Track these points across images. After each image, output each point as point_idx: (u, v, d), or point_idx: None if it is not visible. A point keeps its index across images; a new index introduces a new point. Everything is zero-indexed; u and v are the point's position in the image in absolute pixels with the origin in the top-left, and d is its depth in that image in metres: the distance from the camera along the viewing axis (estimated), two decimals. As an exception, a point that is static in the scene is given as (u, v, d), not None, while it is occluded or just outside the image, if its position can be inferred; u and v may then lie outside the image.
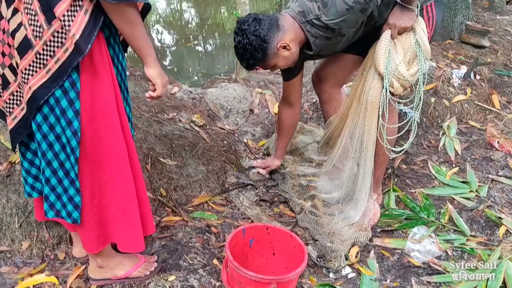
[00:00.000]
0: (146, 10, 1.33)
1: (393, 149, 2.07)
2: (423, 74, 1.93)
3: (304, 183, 2.40)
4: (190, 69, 5.48)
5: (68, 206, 1.40)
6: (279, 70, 2.13)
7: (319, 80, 2.33)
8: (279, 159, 2.50)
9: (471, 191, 2.36)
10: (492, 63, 3.42)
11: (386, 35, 1.84)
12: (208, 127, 2.81)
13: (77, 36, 1.15)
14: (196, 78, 5.00)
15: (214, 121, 3.16)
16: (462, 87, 3.18)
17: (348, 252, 2.03)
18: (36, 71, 1.22)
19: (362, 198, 2.17)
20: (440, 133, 2.89)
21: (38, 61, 1.21)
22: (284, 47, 1.83)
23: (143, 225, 1.53)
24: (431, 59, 3.42)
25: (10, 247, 1.80)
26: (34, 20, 1.17)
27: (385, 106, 1.95)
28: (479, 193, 2.33)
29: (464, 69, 3.27)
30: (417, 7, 1.79)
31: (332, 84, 2.32)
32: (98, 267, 1.69)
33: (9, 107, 1.33)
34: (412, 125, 2.05)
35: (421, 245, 2.07)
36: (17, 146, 1.42)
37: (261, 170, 2.55)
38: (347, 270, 1.96)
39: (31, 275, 1.73)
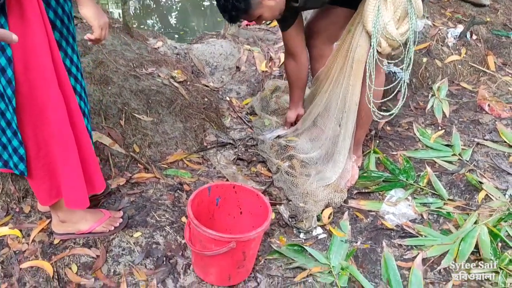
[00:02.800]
0: None
1: (381, 113, 1.98)
2: (413, 33, 1.82)
3: (284, 142, 2.34)
4: (177, 23, 5.32)
5: (13, 157, 1.35)
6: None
7: (310, 35, 2.23)
8: (292, 110, 2.41)
9: (453, 154, 2.30)
10: (491, 23, 3.26)
11: None
12: (189, 83, 2.73)
13: None
14: (183, 33, 4.85)
15: (198, 77, 3.07)
16: (457, 47, 3.05)
17: (321, 213, 1.99)
18: None
19: (340, 160, 2.12)
20: (430, 95, 2.79)
21: None
22: None
23: (90, 183, 1.49)
24: (426, 17, 3.27)
25: (-27, 200, 1.78)
26: None
27: (372, 66, 1.86)
28: (462, 157, 2.27)
29: (460, 28, 3.13)
30: None
31: (323, 39, 2.22)
32: (61, 222, 1.66)
33: None
34: (402, 87, 1.96)
35: (397, 208, 2.03)
36: None
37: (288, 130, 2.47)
38: (318, 230, 1.93)
39: (-7, 227, 1.71)
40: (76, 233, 1.70)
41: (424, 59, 2.93)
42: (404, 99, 1.93)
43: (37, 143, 1.35)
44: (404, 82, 1.93)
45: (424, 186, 2.12)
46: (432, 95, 2.77)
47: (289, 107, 2.43)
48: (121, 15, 2.87)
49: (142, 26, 4.66)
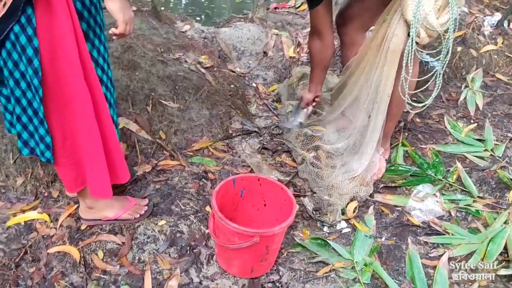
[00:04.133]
0: None
1: (414, 104, 1.93)
2: (453, 23, 1.74)
3: (310, 132, 2.30)
4: (207, 4, 5.26)
5: (40, 145, 1.38)
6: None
7: (343, 22, 2.16)
8: (311, 92, 2.32)
9: (485, 149, 2.23)
10: (531, 11, 3.11)
11: None
12: (216, 69, 2.71)
13: None
14: (210, 13, 4.79)
15: (225, 62, 3.05)
16: (493, 36, 2.93)
17: (346, 206, 1.96)
18: None
19: (368, 152, 2.08)
20: (463, 86, 2.70)
21: None
22: None
23: (114, 173, 1.50)
24: (463, 4, 3.14)
25: (4, 183, 1.82)
26: None
27: (409, 57, 1.79)
28: (494, 153, 2.20)
29: (498, 16, 3.00)
30: None
31: (356, 27, 2.15)
32: (88, 208, 1.69)
33: None
34: (437, 79, 1.89)
35: (424, 204, 1.99)
36: None
37: (302, 116, 2.42)
38: (343, 224, 1.91)
39: (23, 211, 1.75)
40: (102, 219, 1.73)
41: (459, 48, 2.82)
42: (438, 90, 1.87)
43: (63, 132, 1.37)
44: (440, 74, 1.86)
45: (453, 182, 2.07)
46: (466, 86, 2.68)
47: (308, 88, 2.34)
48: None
49: (171, 8, 4.64)
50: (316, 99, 2.36)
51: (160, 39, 2.65)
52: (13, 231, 1.68)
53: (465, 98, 2.60)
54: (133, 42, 2.46)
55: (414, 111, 2.11)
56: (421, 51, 1.88)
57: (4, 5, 1.13)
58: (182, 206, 1.86)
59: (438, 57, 1.84)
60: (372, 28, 2.07)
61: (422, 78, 1.96)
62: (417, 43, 1.77)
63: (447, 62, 1.78)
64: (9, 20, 1.15)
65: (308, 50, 2.32)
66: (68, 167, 1.46)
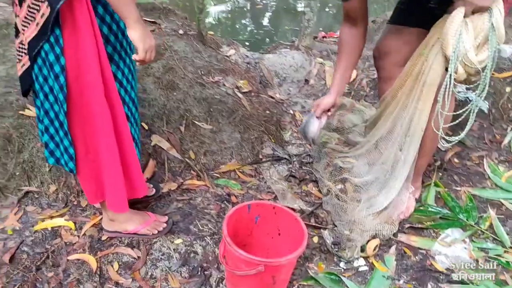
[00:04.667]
0: None
1: (447, 138, 1.86)
2: (492, 60, 1.69)
3: (340, 164, 2.27)
4: (254, 31, 5.38)
5: (64, 155, 1.47)
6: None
7: (380, 56, 2.14)
8: (331, 96, 2.00)
9: (525, 198, 2.10)
10: None
11: (459, 13, 1.58)
12: (253, 94, 2.76)
13: None
14: (259, 41, 4.89)
15: (265, 88, 3.09)
16: (548, 78, 2.77)
17: (367, 243, 1.91)
18: (29, 23, 1.27)
19: (395, 187, 2.02)
20: (509, 128, 2.56)
21: (29, 14, 1.26)
22: None
23: (131, 188, 1.56)
24: (517, 43, 3.01)
25: (38, 189, 1.94)
26: None
27: (447, 92, 1.75)
28: (533, 202, 2.06)
29: (555, 57, 2.84)
30: None
31: (393, 61, 2.12)
32: (110, 220, 1.77)
33: (19, 55, 1.41)
34: (471, 115, 1.82)
35: (451, 249, 1.89)
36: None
37: (315, 123, 2.10)
38: (360, 262, 1.85)
39: (51, 217, 1.85)
40: (122, 232, 1.79)
41: (508, 89, 2.70)
42: (471, 124, 1.79)
43: (85, 146, 1.45)
44: (474, 109, 1.78)
45: (485, 229, 1.96)
46: (512, 129, 2.55)
47: (329, 91, 2.07)
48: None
49: (223, 32, 4.79)
50: (332, 108, 2.08)
51: (202, 62, 2.75)
52: (39, 235, 1.78)
53: (510, 141, 2.47)
54: (175, 64, 2.56)
55: (446, 146, 2.02)
56: (461, 86, 1.82)
57: (37, 25, 1.24)
58: (200, 227, 1.89)
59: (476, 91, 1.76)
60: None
61: (459, 112, 1.89)
62: (454, 79, 1.72)
63: (483, 97, 1.71)
64: (40, 39, 1.26)
65: (338, 42, 2.06)
66: (89, 179, 1.54)
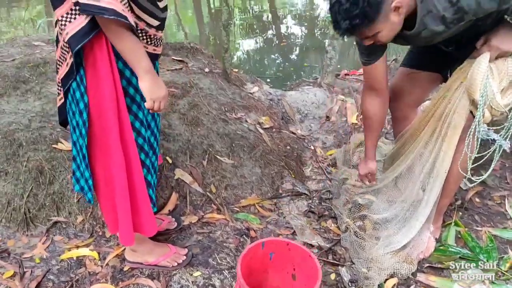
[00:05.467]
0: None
1: (472, 178, 1.87)
2: None
3: (359, 201, 2.30)
4: (279, 68, 5.52)
5: (85, 186, 1.57)
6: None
7: (394, 97, 2.17)
8: (372, 160, 2.17)
9: (548, 240, 2.05)
10: None
11: (485, 58, 1.62)
12: (274, 130, 2.83)
13: (69, 35, 1.28)
14: (282, 78, 5.02)
15: (287, 124, 3.16)
16: None
17: (385, 282, 1.90)
18: (62, 63, 1.40)
19: (416, 226, 2.02)
20: (532, 168, 2.54)
21: (62, 54, 1.39)
22: (397, 9, 1.51)
23: (139, 225, 1.63)
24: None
25: (66, 219, 2.03)
26: (61, 18, 1.31)
27: (474, 136, 1.78)
28: (557, 244, 2.02)
29: None
30: None
31: (407, 102, 2.17)
32: (132, 251, 1.83)
33: (58, 89, 1.53)
34: (496, 155, 1.84)
35: (470, 291, 1.87)
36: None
37: (367, 183, 2.28)
38: (378, 301, 1.85)
39: (77, 247, 1.93)
40: (144, 263, 1.85)
41: (531, 128, 2.68)
42: (495, 164, 1.80)
43: (105, 178, 1.54)
44: (499, 150, 1.80)
45: (506, 271, 1.92)
46: (535, 169, 2.52)
47: (365, 158, 2.21)
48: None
49: (247, 70, 4.95)
50: (370, 176, 2.22)
51: (226, 99, 2.85)
52: (65, 264, 1.86)
53: (533, 181, 2.44)
54: (200, 101, 2.67)
55: (469, 187, 2.02)
56: (486, 127, 1.84)
57: (67, 65, 1.37)
58: (219, 260, 1.93)
59: (501, 134, 1.79)
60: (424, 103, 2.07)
61: (485, 153, 1.90)
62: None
63: (508, 137, 1.73)
64: (69, 77, 1.39)
65: (361, 110, 2.15)
66: (109, 209, 1.62)
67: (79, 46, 1.28)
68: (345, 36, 1.60)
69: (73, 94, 1.42)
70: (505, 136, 1.77)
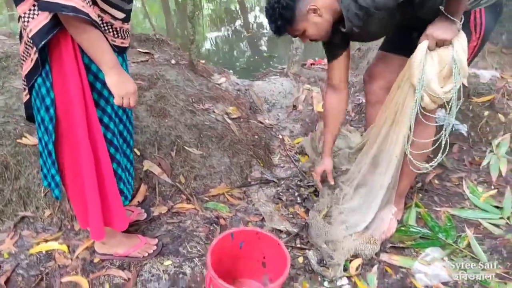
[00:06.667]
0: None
1: (420, 164, 1.97)
2: (457, 92, 1.80)
3: (326, 190, 2.36)
4: (245, 59, 5.54)
5: (52, 182, 1.57)
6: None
7: (369, 80, 2.25)
8: (327, 157, 2.28)
9: (501, 217, 2.18)
10: None
11: (423, 46, 1.71)
12: (242, 120, 2.87)
13: (32, 32, 1.27)
14: (249, 68, 5.04)
15: (255, 114, 3.20)
16: (525, 103, 2.89)
17: (350, 263, 1.99)
18: (26, 59, 1.39)
19: (372, 208, 2.11)
20: (488, 151, 2.67)
21: (26, 50, 1.38)
22: (314, 11, 1.73)
23: (110, 219, 1.64)
24: (495, 68, 3.15)
25: (34, 214, 2.01)
26: (24, 15, 1.30)
27: (412, 119, 1.86)
28: (510, 221, 2.14)
29: (532, 82, 2.97)
30: (461, 20, 1.66)
31: (381, 86, 2.23)
32: (102, 243, 1.84)
33: (24, 85, 1.51)
34: (444, 132, 1.93)
35: (430, 268, 1.96)
36: None
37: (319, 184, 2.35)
38: (344, 281, 1.92)
39: (46, 241, 1.93)
40: (114, 254, 1.86)
41: (486, 113, 2.81)
42: (446, 150, 1.89)
43: (74, 174, 1.54)
44: (446, 128, 1.89)
45: (464, 248, 2.03)
46: (490, 151, 2.65)
47: (322, 155, 2.32)
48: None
49: (216, 62, 4.95)
50: (324, 173, 2.31)
51: (193, 90, 2.86)
52: (34, 258, 1.85)
53: (488, 163, 2.57)
54: (167, 92, 2.68)
55: (425, 171, 2.11)
56: (442, 113, 1.92)
57: (31, 60, 1.36)
58: (189, 249, 1.97)
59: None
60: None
61: (431, 139, 1.99)
62: (424, 108, 1.83)
63: (448, 130, 1.82)
64: (34, 72, 1.38)
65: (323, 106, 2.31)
66: (79, 204, 1.62)
67: (43, 42, 1.28)
68: (279, 35, 1.84)
69: (38, 90, 1.41)
70: (450, 113, 1.86)
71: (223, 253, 1.72)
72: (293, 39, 3.63)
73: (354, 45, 4.20)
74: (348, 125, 3.02)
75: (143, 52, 3.09)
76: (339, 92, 2.14)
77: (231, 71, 3.71)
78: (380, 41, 2.19)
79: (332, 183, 2.29)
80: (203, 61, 3.55)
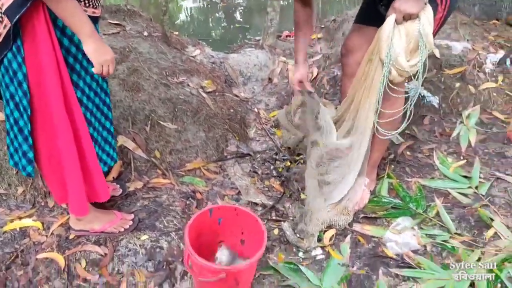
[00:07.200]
0: None
1: (385, 132, 2.01)
2: (423, 66, 1.83)
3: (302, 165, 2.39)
4: (221, 30, 5.45)
5: (22, 160, 1.54)
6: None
7: (346, 53, 2.24)
8: (301, 64, 2.22)
9: (470, 187, 2.25)
10: (536, 50, 3.13)
11: (390, 20, 1.73)
12: (217, 93, 2.85)
13: (5, 6, 1.25)
14: (224, 40, 4.96)
15: (230, 87, 3.18)
16: (494, 74, 2.96)
17: (324, 234, 2.04)
18: None
19: (349, 181, 2.15)
20: (458, 122, 2.73)
21: None
22: None
23: (93, 192, 1.64)
24: (467, 40, 3.19)
25: (6, 191, 1.99)
26: None
27: (380, 92, 1.89)
28: (477, 191, 2.22)
29: (501, 54, 3.03)
30: None
31: (357, 59, 2.23)
32: (77, 219, 1.83)
33: None
34: (410, 101, 1.96)
35: (401, 237, 2.03)
36: None
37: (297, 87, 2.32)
38: (318, 251, 1.98)
39: (20, 218, 1.91)
40: (90, 230, 1.86)
41: (457, 84, 2.87)
42: (409, 119, 1.93)
43: (49, 150, 1.52)
44: (412, 98, 1.93)
45: (433, 217, 2.11)
46: (461, 122, 2.72)
47: (296, 64, 2.27)
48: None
49: (192, 34, 4.86)
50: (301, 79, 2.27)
51: (167, 63, 2.82)
52: (8, 236, 1.83)
53: (459, 134, 2.64)
54: (140, 66, 2.63)
55: (398, 142, 2.16)
56: (412, 84, 1.95)
57: (1, 35, 1.31)
58: (165, 223, 1.98)
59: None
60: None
61: (400, 110, 2.02)
62: (391, 81, 1.86)
63: (414, 101, 1.86)
64: (3, 48, 1.33)
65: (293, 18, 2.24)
66: (55, 181, 1.60)
67: (18, 16, 1.24)
68: None
69: (8, 65, 1.37)
70: (411, 100, 1.91)
71: (203, 227, 1.73)
72: (268, 9, 3.59)
73: (329, 16, 4.18)
74: (323, 98, 3.03)
75: (114, 23, 3.00)
76: (305, 8, 2.10)
77: (204, 43, 3.65)
78: (355, 13, 2.19)
79: (311, 90, 2.27)
80: (177, 33, 3.48)
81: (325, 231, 2.05)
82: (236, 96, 3.07)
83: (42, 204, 2.01)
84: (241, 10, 6.35)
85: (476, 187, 2.25)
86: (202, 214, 1.72)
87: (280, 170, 2.47)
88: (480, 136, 2.64)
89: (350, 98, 2.15)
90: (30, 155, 1.51)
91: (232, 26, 5.63)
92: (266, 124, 2.90)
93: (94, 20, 1.49)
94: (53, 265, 1.74)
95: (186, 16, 6.19)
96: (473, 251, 1.92)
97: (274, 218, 2.14)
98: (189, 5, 6.45)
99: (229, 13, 6.16)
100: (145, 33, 2.98)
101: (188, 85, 2.74)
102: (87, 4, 1.42)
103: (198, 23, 5.79)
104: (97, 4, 1.47)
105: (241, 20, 5.92)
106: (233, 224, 1.81)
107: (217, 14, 6.19)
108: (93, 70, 1.42)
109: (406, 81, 2.05)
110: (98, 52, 1.39)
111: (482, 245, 1.96)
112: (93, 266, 1.76)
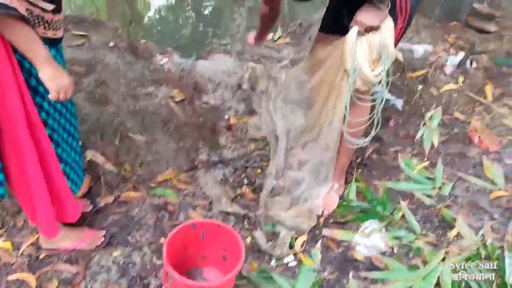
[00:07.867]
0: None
1: (353, 140, 2.06)
2: (386, 74, 1.89)
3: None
4: (188, 33, 5.42)
5: None
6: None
7: (312, 66, 2.29)
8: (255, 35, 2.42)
9: (433, 188, 2.34)
10: (494, 51, 3.26)
11: (353, 31, 1.78)
12: (187, 102, 2.85)
13: None
14: (193, 45, 4.93)
15: (200, 94, 3.18)
16: (455, 75, 3.07)
17: (295, 240, 2.08)
18: None
19: (316, 185, 2.21)
20: (421, 124, 2.82)
21: None
22: None
23: (62, 212, 1.63)
24: (428, 43, 3.30)
25: (-28, 212, 1.95)
26: None
27: (348, 101, 1.94)
28: (441, 191, 2.31)
29: (461, 55, 3.14)
30: (388, 6, 1.72)
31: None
32: (47, 238, 1.82)
33: None
34: (377, 107, 2.02)
35: (369, 240, 2.10)
36: None
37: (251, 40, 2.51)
38: (290, 258, 2.02)
39: (-12, 239, 1.88)
40: (60, 249, 1.85)
41: (420, 87, 2.96)
42: (378, 127, 1.99)
43: (19, 171, 1.51)
44: (380, 102, 1.99)
45: (399, 219, 2.18)
46: (424, 124, 2.81)
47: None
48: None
49: (157, 40, 4.81)
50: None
51: (135, 74, 2.81)
52: (-24, 258, 1.81)
53: (422, 135, 2.72)
54: (107, 77, 2.61)
55: (365, 145, 2.21)
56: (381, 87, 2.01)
57: None
58: (138, 238, 1.98)
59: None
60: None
61: (367, 118, 2.08)
62: (357, 89, 1.92)
63: (379, 109, 1.92)
64: None
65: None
66: (24, 202, 1.60)
67: None
68: None
69: None
70: (377, 109, 1.97)
71: (187, 241, 1.75)
72: (235, 16, 3.62)
73: (295, 20, 4.22)
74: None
75: (78, 34, 2.97)
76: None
77: (170, 48, 3.61)
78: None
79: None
80: (144, 41, 3.45)
81: (296, 237, 2.10)
82: (206, 103, 3.08)
83: (11, 224, 1.98)
84: (208, 13, 6.33)
85: (440, 188, 2.33)
86: (185, 227, 1.73)
87: (251, 177, 2.50)
88: (442, 137, 2.73)
89: (317, 107, 2.20)
90: (1, 176, 1.50)
91: (200, 29, 5.60)
92: (236, 131, 2.92)
93: (55, 42, 1.48)
94: (24, 286, 1.74)
95: (154, 19, 6.13)
96: (438, 251, 2.00)
97: (246, 227, 2.17)
98: (157, 6, 6.37)
99: (197, 16, 6.13)
100: (111, 44, 2.95)
101: (157, 95, 2.74)
102: (47, 27, 1.41)
103: (166, 25, 5.73)
104: (58, 26, 1.46)
105: (209, 23, 5.91)
106: (216, 239, 1.83)
107: (185, 17, 6.14)
108: (50, 96, 1.40)
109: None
110: (54, 78, 1.36)
111: (446, 245, 2.04)
112: (66, 285, 1.76)
